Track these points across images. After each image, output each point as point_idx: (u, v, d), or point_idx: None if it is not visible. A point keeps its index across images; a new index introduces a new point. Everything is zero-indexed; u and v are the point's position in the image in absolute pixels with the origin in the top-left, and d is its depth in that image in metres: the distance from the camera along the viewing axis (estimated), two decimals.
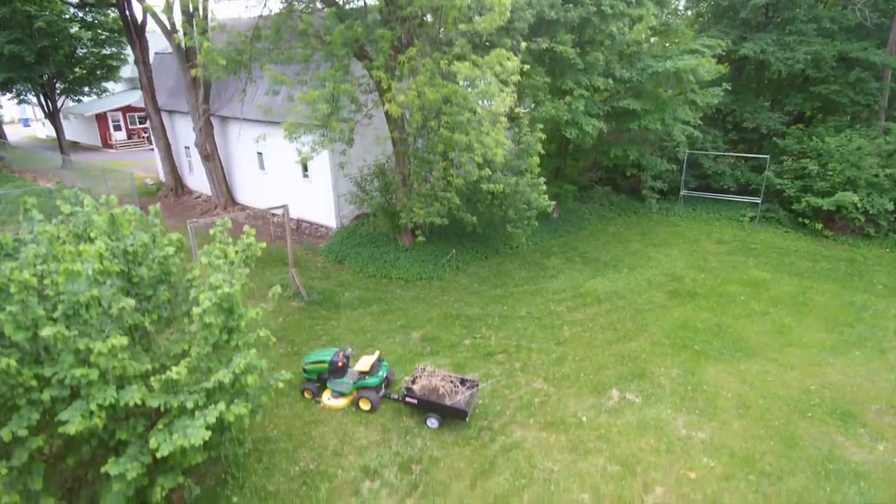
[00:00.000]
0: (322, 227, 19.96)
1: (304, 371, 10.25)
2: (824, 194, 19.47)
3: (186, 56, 20.58)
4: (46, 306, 5.82)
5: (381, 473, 8.37)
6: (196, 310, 6.16)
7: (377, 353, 10.34)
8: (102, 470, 5.67)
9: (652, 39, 17.89)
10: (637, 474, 8.42)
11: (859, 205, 18.74)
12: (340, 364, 9.94)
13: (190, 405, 5.96)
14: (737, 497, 7.99)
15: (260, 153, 20.95)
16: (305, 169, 19.50)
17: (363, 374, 9.85)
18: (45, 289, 6.26)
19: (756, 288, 15.50)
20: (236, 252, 7.05)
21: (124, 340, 5.41)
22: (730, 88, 20.22)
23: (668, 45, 19.17)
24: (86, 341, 5.39)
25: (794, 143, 21.45)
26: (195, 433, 5.64)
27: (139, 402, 5.57)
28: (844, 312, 13.98)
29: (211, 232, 7.32)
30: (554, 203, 14.99)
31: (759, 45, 21.01)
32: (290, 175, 20.05)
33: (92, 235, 6.73)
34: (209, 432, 5.73)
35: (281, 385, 6.83)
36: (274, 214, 21.53)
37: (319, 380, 10.20)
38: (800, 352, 12.07)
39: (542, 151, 14.79)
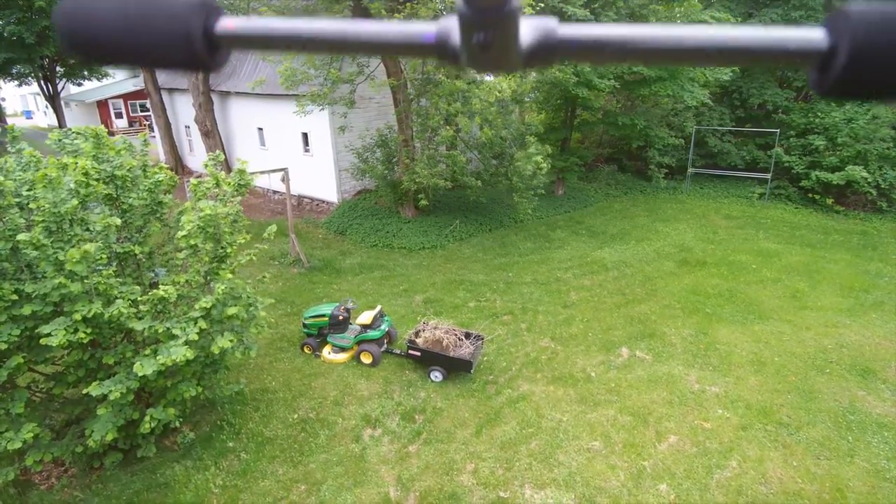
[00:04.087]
0: (324, 202, 19.64)
1: (304, 326, 9.93)
2: (834, 169, 19.06)
3: None
4: (29, 221, 5.52)
5: (382, 422, 8.04)
6: (180, 233, 5.86)
7: (379, 307, 10.02)
8: (85, 391, 5.36)
9: (658, 8, 17.48)
10: (649, 424, 8.07)
11: (870, 179, 18.33)
12: (341, 318, 9.62)
13: (177, 332, 5.66)
14: (754, 445, 7.64)
15: (260, 128, 20.68)
16: (307, 144, 19.21)
17: (365, 327, 9.52)
18: (30, 213, 5.97)
19: (767, 257, 15.12)
20: (228, 182, 6.73)
21: (98, 245, 5.10)
22: (736, 69, 19.84)
23: (674, 12, 18.75)
24: (63, 253, 5.09)
25: (800, 118, 21.02)
26: (177, 351, 5.33)
27: (124, 314, 5.25)
28: (859, 279, 13.59)
29: (202, 165, 7.02)
30: (555, 174, 14.55)
31: (763, 22, 20.59)
32: (290, 151, 19.75)
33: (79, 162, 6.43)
34: (191, 351, 5.42)
35: (262, 313, 6.49)
36: (275, 192, 21.29)
37: (320, 335, 9.88)
38: (815, 314, 11.69)
39: (535, 99, 14.35)
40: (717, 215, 19.30)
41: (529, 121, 14.57)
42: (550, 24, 0.57)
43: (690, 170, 22.22)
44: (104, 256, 5.20)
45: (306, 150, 19.33)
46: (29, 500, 6.56)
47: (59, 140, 6.64)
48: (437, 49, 0.57)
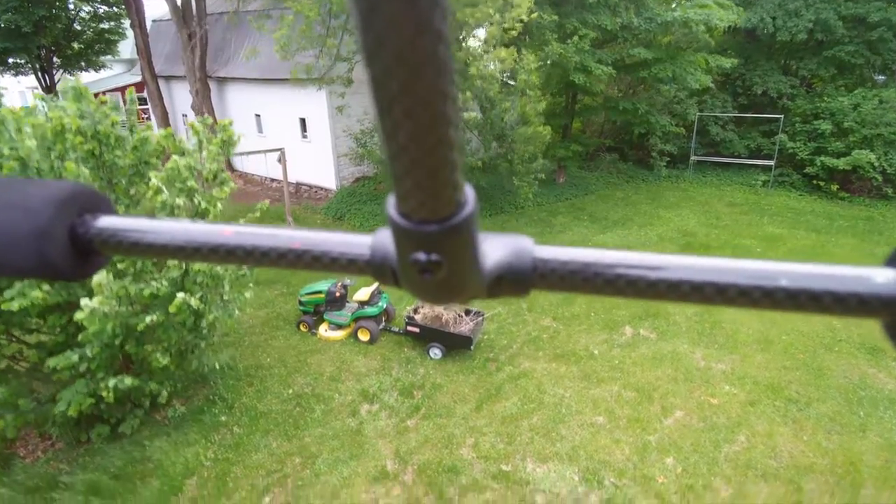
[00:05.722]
0: (322, 189, 19.41)
1: (301, 303, 9.70)
2: (839, 155, 18.78)
3: (183, 16, 20.09)
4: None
5: (380, 397, 7.81)
6: (149, 192, 5.59)
7: (376, 283, 9.77)
8: (45, 365, 5.13)
9: None
10: (654, 400, 7.84)
11: (876, 164, 18.06)
12: (338, 294, 9.39)
13: (147, 292, 5.40)
14: (763, 420, 7.41)
15: (258, 115, 20.45)
16: (304, 130, 18.97)
17: (362, 303, 9.29)
18: None
19: (772, 242, 14.89)
20: (214, 141, 6.47)
21: None
22: (737, 60, 19.61)
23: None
24: None
25: (807, 103, 20.72)
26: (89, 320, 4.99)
27: None
28: (866, 262, 13.29)
29: (187, 125, 6.77)
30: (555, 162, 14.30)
31: (759, 14, 20.24)
32: (288, 137, 19.49)
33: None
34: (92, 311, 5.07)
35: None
36: (273, 179, 21.06)
37: (316, 312, 9.65)
38: None
39: (536, 77, 14.05)
40: (721, 202, 19.05)
41: (533, 104, 14.26)
42: (523, 243, 0.44)
43: (693, 157, 21.95)
44: None
45: (304, 136, 19.10)
46: (12, 473, 6.34)
47: (42, 100, 6.40)
48: (373, 269, 0.44)
